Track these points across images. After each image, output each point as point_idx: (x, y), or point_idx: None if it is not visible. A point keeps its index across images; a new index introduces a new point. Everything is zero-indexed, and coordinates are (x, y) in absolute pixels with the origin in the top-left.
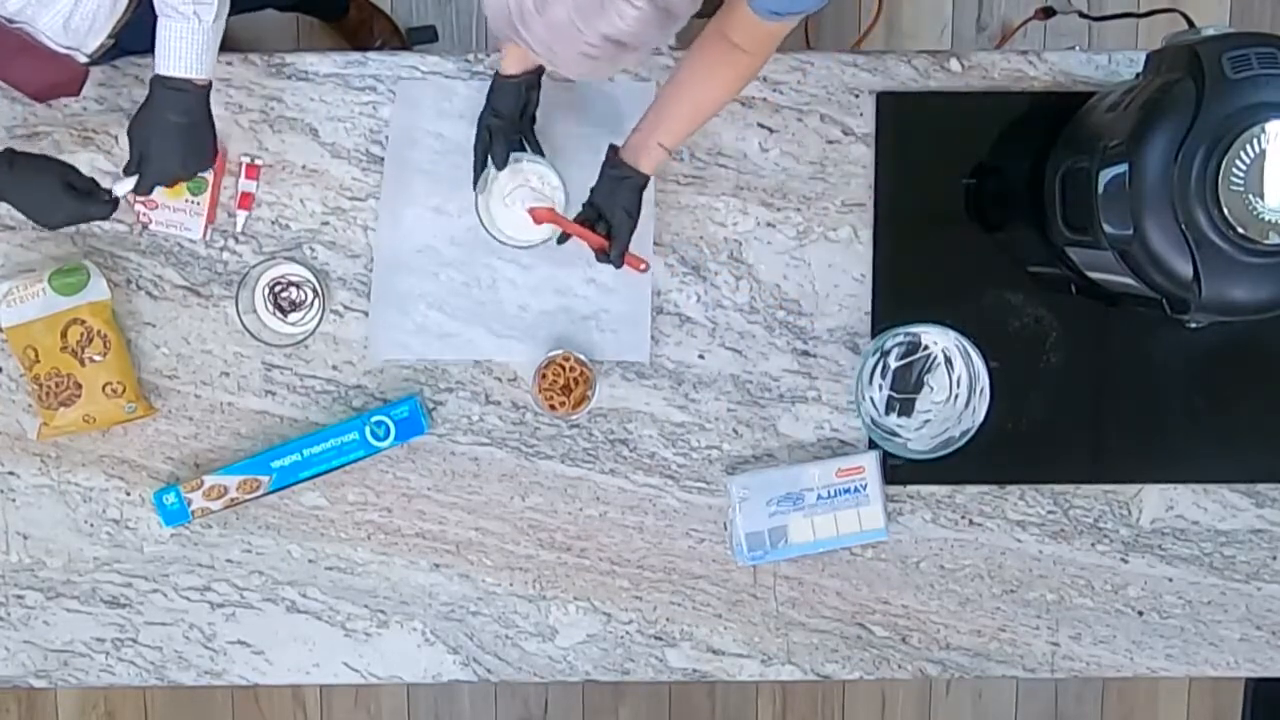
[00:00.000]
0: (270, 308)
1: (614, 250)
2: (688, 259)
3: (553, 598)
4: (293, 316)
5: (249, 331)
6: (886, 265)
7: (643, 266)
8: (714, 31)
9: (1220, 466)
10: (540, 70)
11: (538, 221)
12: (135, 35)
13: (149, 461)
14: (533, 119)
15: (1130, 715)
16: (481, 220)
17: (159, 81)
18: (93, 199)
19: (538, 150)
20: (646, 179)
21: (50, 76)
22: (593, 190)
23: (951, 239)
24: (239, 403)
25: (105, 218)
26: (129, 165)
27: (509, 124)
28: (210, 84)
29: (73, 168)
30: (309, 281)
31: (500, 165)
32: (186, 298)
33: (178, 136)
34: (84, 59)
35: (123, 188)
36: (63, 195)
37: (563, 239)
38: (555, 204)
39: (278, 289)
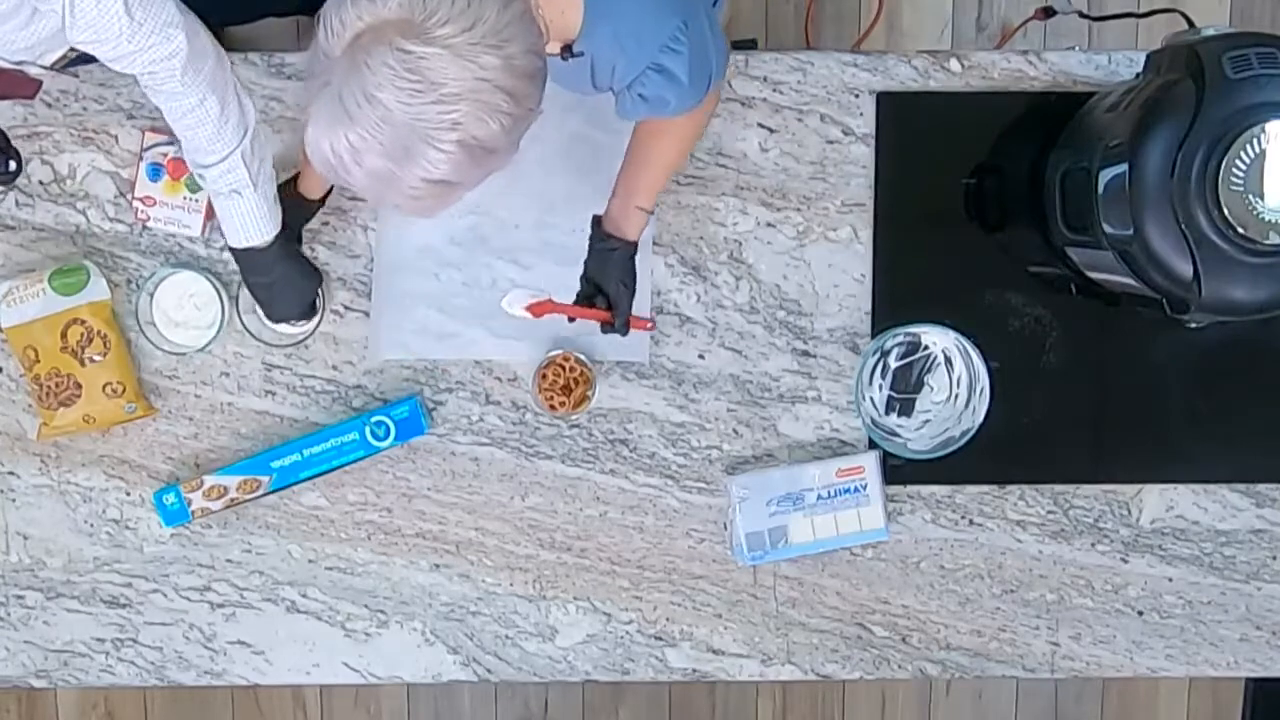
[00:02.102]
0: None
1: (618, 321)
2: (688, 259)
3: (553, 598)
4: None
5: (249, 331)
6: (886, 265)
7: (649, 326)
8: None
9: (1220, 466)
10: (330, 189)
11: (538, 315)
12: None
13: (149, 461)
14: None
15: (1130, 715)
16: (153, 320)
17: (232, 251)
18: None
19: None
20: (635, 245)
21: (2, 87)
22: (585, 264)
23: (951, 239)
24: (239, 403)
25: None
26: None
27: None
28: (277, 235)
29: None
30: None
31: None
32: None
33: (269, 291)
34: (38, 70)
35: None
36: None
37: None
38: (214, 317)
39: None
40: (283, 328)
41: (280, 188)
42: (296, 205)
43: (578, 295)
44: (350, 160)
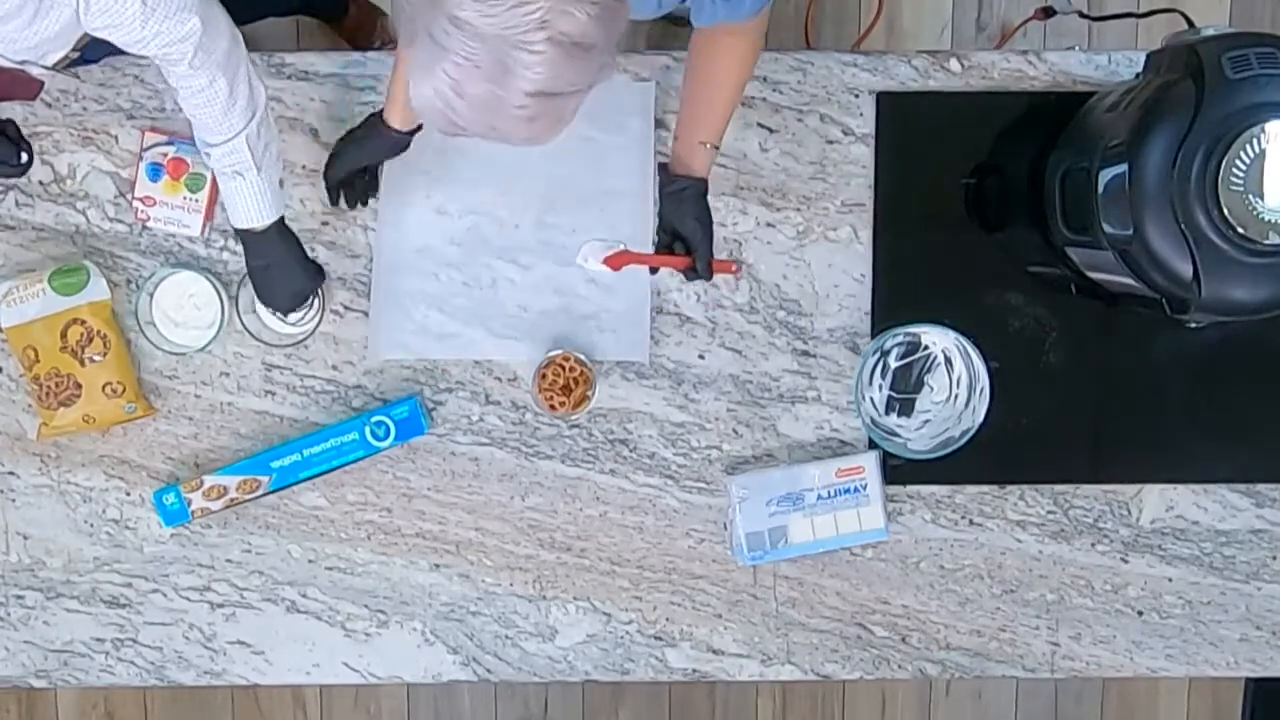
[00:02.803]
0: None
1: (699, 263)
2: None
3: (553, 598)
4: (293, 316)
5: (249, 331)
6: (886, 265)
7: (734, 270)
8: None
9: (1220, 466)
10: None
11: (616, 267)
12: (97, 45)
13: (149, 461)
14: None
15: (1130, 715)
16: (153, 320)
17: (237, 232)
18: None
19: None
20: (705, 183)
21: (3, 88)
22: (660, 215)
23: (951, 239)
24: (239, 403)
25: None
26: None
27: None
28: (279, 219)
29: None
30: None
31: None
32: None
33: (265, 275)
34: (40, 70)
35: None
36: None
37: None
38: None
39: None
40: (282, 327)
41: (367, 120)
42: (381, 137)
43: (656, 245)
44: (453, 94)
